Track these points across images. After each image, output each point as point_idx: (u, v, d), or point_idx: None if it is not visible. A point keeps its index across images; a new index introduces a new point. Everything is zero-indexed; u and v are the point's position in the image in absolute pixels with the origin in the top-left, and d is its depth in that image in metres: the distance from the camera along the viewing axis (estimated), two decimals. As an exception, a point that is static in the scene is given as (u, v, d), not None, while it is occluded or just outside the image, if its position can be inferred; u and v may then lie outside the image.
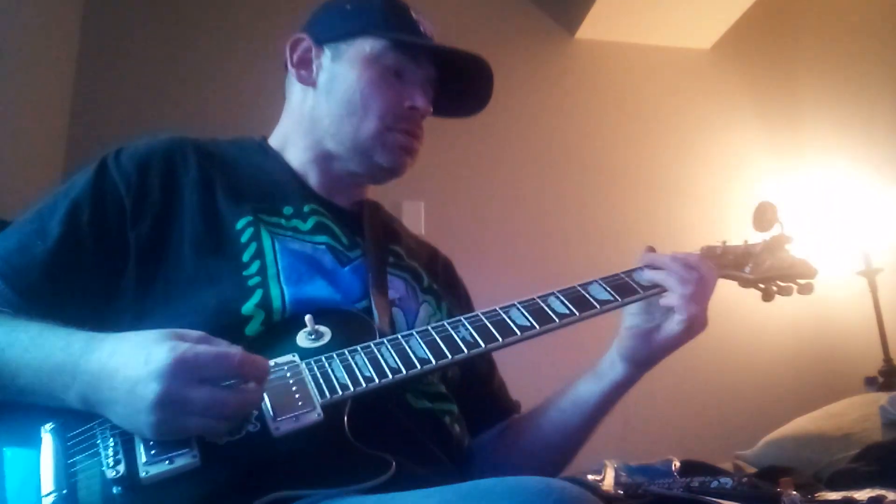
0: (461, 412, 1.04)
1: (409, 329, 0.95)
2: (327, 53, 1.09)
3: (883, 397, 1.92)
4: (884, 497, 1.09)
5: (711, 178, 3.14)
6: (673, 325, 0.93)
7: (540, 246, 2.85)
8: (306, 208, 1.03)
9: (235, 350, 0.72)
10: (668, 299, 0.94)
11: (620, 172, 3.08)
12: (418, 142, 1.10)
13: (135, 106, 2.65)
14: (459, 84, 1.14)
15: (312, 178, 1.10)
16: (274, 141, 1.14)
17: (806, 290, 1.09)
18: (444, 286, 1.18)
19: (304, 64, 1.11)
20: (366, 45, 1.06)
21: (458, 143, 2.95)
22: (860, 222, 2.75)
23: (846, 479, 1.43)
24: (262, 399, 0.75)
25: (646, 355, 0.98)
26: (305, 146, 1.10)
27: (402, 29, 1.08)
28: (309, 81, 1.10)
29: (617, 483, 1.41)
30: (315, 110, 1.09)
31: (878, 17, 2.97)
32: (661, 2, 3.05)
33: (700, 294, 0.92)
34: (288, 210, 1.01)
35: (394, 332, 0.90)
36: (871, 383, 2.60)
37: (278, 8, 2.82)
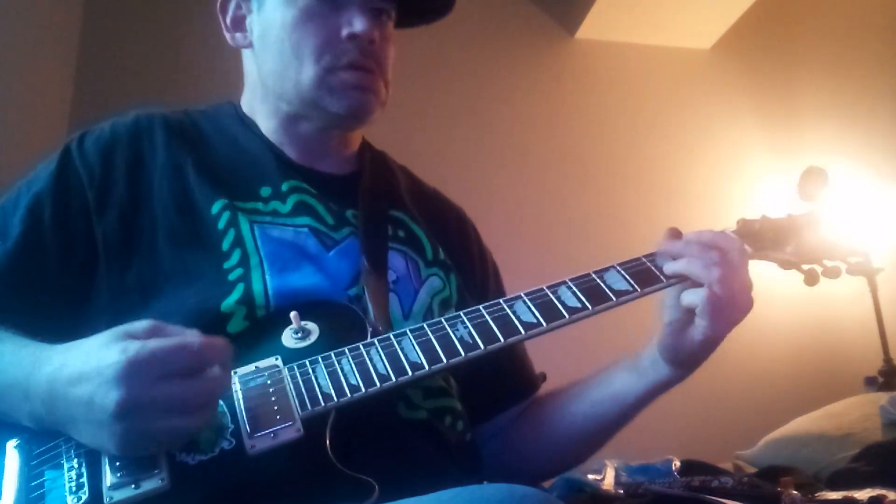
0: (471, 393, 0.96)
1: (404, 316, 0.90)
2: (254, 4, 0.98)
3: (883, 397, 1.93)
4: (884, 497, 1.09)
5: (711, 178, 3.14)
6: (698, 322, 0.80)
7: (540, 245, 2.85)
8: (285, 186, 0.93)
9: (192, 337, 0.66)
10: (689, 297, 0.81)
11: (620, 172, 3.08)
12: (373, 75, 0.94)
13: (135, 104, 2.65)
14: None
15: (289, 148, 0.99)
16: (245, 108, 1.04)
17: (856, 270, 0.94)
18: (455, 246, 1.07)
19: (238, 24, 1.00)
20: None
21: (457, 142, 2.96)
22: (860, 222, 2.75)
23: (846, 479, 1.43)
24: (230, 382, 0.69)
25: (687, 356, 0.85)
26: (268, 113, 0.99)
27: None
28: (245, 43, 1.00)
29: (617, 483, 1.41)
30: (260, 72, 0.98)
31: (877, 17, 2.97)
32: (661, 2, 3.05)
33: (728, 276, 0.78)
34: (266, 191, 0.92)
35: (388, 324, 0.85)
36: (871, 383, 2.60)
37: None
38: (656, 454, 1.62)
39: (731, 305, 0.79)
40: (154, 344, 0.64)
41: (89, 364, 0.63)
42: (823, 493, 1.27)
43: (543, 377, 1.09)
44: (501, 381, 1.03)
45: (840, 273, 0.94)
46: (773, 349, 2.95)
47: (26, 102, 2.27)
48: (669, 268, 0.83)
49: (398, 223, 1.00)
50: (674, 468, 1.49)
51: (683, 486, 1.22)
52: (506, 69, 3.13)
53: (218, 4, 1.02)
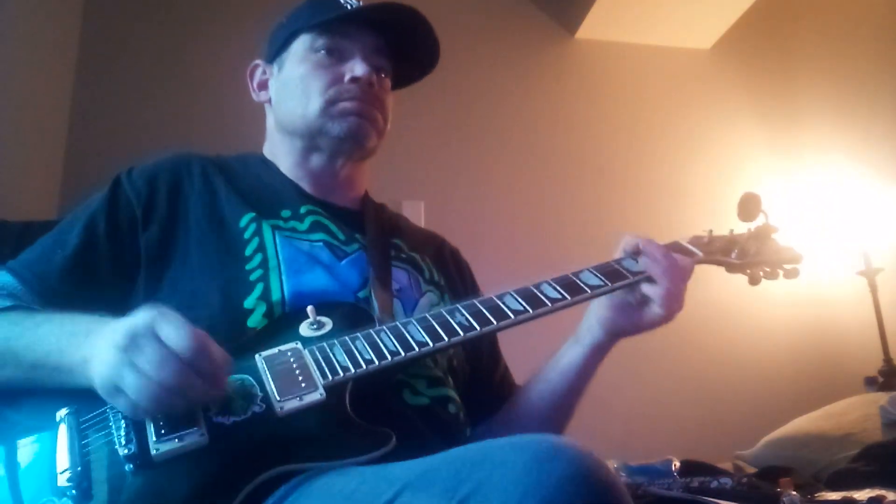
0: (466, 404, 1.05)
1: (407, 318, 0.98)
2: (275, 68, 1.18)
3: (883, 397, 1.93)
4: (884, 497, 1.09)
5: (711, 177, 3.14)
6: (654, 309, 0.98)
7: (540, 245, 2.85)
8: (303, 209, 1.08)
9: (201, 334, 0.73)
10: (651, 290, 0.98)
11: (620, 172, 3.08)
12: (370, 105, 1.10)
13: (134, 108, 2.65)
14: (409, 44, 1.16)
15: (305, 183, 1.14)
16: (267, 155, 1.20)
17: (792, 274, 1.14)
18: (452, 275, 1.21)
19: (263, 86, 1.20)
20: (299, 45, 1.13)
21: (457, 142, 2.96)
22: (860, 222, 2.75)
23: (846, 479, 1.43)
24: (200, 402, 0.74)
25: (622, 327, 1.02)
26: (286, 153, 1.15)
27: (326, 13, 1.12)
28: (266, 99, 1.19)
29: (617, 483, 1.41)
30: (278, 119, 1.16)
31: (877, 17, 2.97)
32: (661, 2, 3.05)
33: (677, 281, 0.98)
34: (286, 213, 1.06)
35: (393, 320, 0.93)
36: (871, 383, 2.60)
37: (278, 11, 2.82)
38: (656, 454, 1.62)
39: (677, 300, 0.98)
40: (186, 329, 0.72)
41: (127, 319, 0.74)
42: (823, 493, 1.27)
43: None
44: (494, 391, 1.18)
45: (778, 276, 1.14)
46: (773, 349, 2.95)
47: (26, 105, 2.27)
48: (637, 267, 1.01)
49: (399, 248, 1.14)
50: (673, 468, 1.50)
51: (683, 487, 1.22)
52: (506, 69, 3.13)
53: (248, 71, 1.23)
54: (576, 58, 3.24)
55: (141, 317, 0.72)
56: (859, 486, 1.24)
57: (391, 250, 1.12)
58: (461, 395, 1.04)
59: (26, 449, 0.75)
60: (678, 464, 1.52)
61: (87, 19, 2.71)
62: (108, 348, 0.71)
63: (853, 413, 1.94)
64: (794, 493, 1.17)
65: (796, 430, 2.01)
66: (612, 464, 1.53)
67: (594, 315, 1.05)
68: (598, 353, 1.05)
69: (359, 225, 1.12)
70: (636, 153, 3.13)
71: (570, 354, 1.07)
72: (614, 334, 1.03)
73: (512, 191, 2.96)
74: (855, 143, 2.97)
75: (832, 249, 2.87)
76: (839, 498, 1.17)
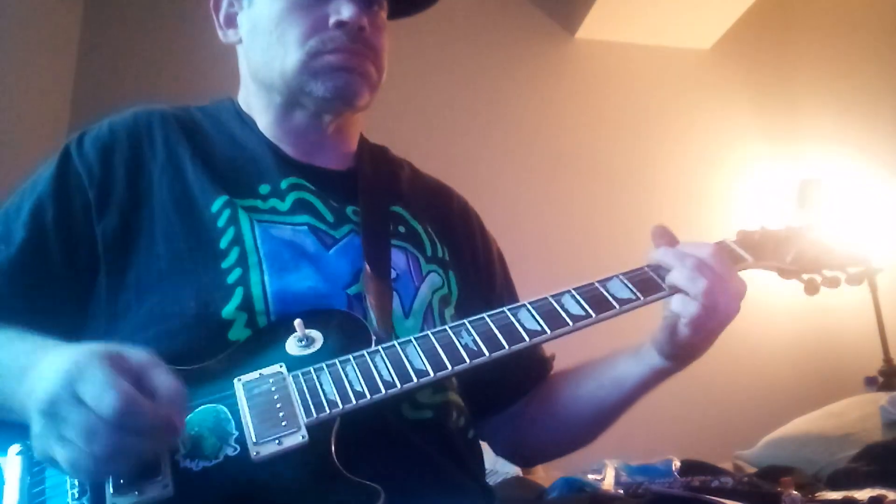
0: (497, 380, 0.96)
1: (405, 314, 0.90)
2: (244, 1, 0.98)
3: (883, 397, 1.93)
4: (884, 497, 1.09)
5: (711, 177, 3.15)
6: (681, 328, 0.82)
7: (540, 245, 2.85)
8: (284, 184, 0.92)
9: (165, 384, 0.62)
10: (676, 303, 0.82)
11: (620, 172, 3.08)
12: (362, 57, 0.92)
13: (135, 96, 2.65)
14: None
15: (286, 144, 0.98)
16: (242, 105, 1.03)
17: (855, 280, 0.98)
18: (459, 243, 1.06)
19: (230, 21, 1.01)
20: None
21: (457, 142, 2.96)
22: (860, 222, 2.75)
23: (846, 479, 1.43)
24: (152, 454, 0.64)
25: (676, 351, 0.86)
26: (263, 108, 0.99)
27: None
28: (236, 39, 1.00)
29: (617, 483, 1.41)
30: (251, 66, 0.98)
31: (877, 18, 2.97)
32: (661, 2, 3.05)
33: (713, 290, 0.79)
34: (265, 188, 0.92)
35: (390, 326, 0.85)
36: (871, 383, 2.60)
37: None
38: (656, 454, 1.62)
39: (712, 317, 0.80)
40: (110, 385, 0.60)
41: (56, 362, 0.62)
42: (823, 493, 1.27)
43: (553, 357, 1.09)
44: (516, 373, 1.02)
45: (839, 283, 0.97)
46: (774, 349, 2.95)
47: (26, 103, 2.27)
48: (669, 279, 0.84)
49: (398, 219, 0.99)
50: (674, 468, 1.50)
51: (683, 486, 1.22)
52: (506, 69, 3.13)
53: (211, 3, 1.02)
54: (575, 58, 3.24)
55: (61, 372, 0.60)
56: (859, 486, 1.24)
57: (389, 224, 0.97)
58: (475, 383, 0.93)
59: None
60: (678, 463, 1.52)
61: (88, 17, 2.71)
62: (34, 413, 0.60)
63: (853, 413, 1.93)
64: (795, 492, 1.17)
65: (796, 430, 2.01)
66: (612, 464, 1.53)
67: (653, 336, 0.88)
68: (657, 376, 0.90)
69: (351, 192, 0.97)
70: (636, 153, 3.13)
71: (629, 369, 0.93)
72: (669, 357, 0.87)
73: (511, 190, 2.96)
74: (854, 142, 2.97)
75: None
76: (839, 497, 1.17)
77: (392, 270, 0.92)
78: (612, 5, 3.03)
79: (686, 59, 3.35)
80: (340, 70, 0.91)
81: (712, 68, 3.36)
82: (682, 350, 0.85)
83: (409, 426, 0.83)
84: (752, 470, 1.80)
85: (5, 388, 0.68)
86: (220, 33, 1.02)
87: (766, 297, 2.67)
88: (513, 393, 1.04)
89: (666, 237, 0.90)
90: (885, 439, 1.70)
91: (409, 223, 1.00)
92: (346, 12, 0.89)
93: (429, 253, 0.99)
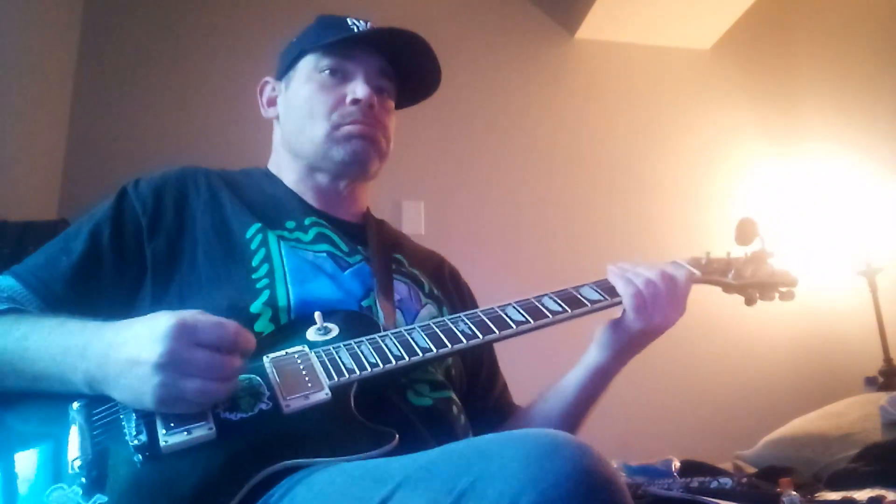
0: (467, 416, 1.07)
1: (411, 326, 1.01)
2: (283, 85, 1.21)
3: (883, 397, 1.92)
4: (884, 497, 1.09)
5: (710, 177, 3.14)
6: (627, 314, 1.02)
7: (540, 245, 2.85)
8: (307, 221, 1.11)
9: (231, 322, 0.78)
10: (624, 303, 1.02)
11: (620, 172, 3.08)
12: (373, 128, 1.13)
13: (134, 109, 2.65)
14: (412, 66, 1.19)
15: (309, 196, 1.17)
16: (272, 169, 1.23)
17: (787, 296, 1.19)
18: (450, 293, 1.23)
19: (272, 103, 1.24)
20: (305, 64, 1.16)
21: (457, 143, 2.96)
22: (860, 222, 2.75)
23: (846, 479, 1.43)
24: (246, 369, 0.81)
25: (614, 342, 1.04)
26: (291, 169, 1.19)
27: (332, 35, 1.15)
28: (274, 115, 1.23)
29: (617, 483, 1.41)
30: (284, 136, 1.19)
31: (877, 17, 2.97)
32: (661, 2, 3.05)
33: (651, 298, 1.00)
34: (290, 224, 1.09)
35: (398, 329, 0.95)
36: (871, 383, 2.60)
37: (279, 14, 2.82)
38: (656, 454, 1.62)
39: (652, 304, 1.01)
40: (201, 316, 0.76)
41: (143, 328, 0.76)
42: (823, 493, 1.27)
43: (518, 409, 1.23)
44: (491, 407, 1.20)
45: (774, 298, 1.19)
46: (773, 349, 2.95)
47: (26, 106, 2.27)
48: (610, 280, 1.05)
49: (400, 263, 1.18)
50: (674, 468, 1.50)
51: (683, 487, 1.22)
52: (506, 69, 3.12)
53: (258, 88, 1.26)
54: (575, 58, 3.24)
55: (164, 330, 0.74)
56: (859, 486, 1.24)
57: (392, 263, 1.15)
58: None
59: (27, 458, 0.76)
60: (678, 464, 1.52)
61: (87, 19, 2.71)
62: (148, 369, 0.73)
63: (853, 413, 1.93)
64: (795, 493, 1.17)
65: (796, 430, 2.01)
66: (612, 464, 1.53)
67: (597, 332, 1.07)
68: (597, 375, 1.06)
69: (361, 238, 1.15)
70: (635, 153, 3.13)
71: (571, 376, 1.08)
72: (610, 350, 1.05)
73: (512, 191, 2.96)
74: (854, 142, 2.96)
75: (832, 249, 2.87)
76: (839, 498, 1.17)
77: (396, 294, 1.08)
78: (612, 5, 3.03)
79: (686, 59, 3.34)
80: (356, 137, 1.12)
81: (712, 68, 3.36)
82: (625, 343, 1.04)
83: (413, 410, 0.93)
84: (751, 470, 1.79)
85: (62, 361, 0.79)
86: (262, 111, 1.26)
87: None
88: (489, 419, 1.17)
89: None
90: (885, 439, 1.70)
91: (409, 269, 1.18)
92: (360, 92, 1.12)
93: (426, 290, 1.16)
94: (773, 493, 1.18)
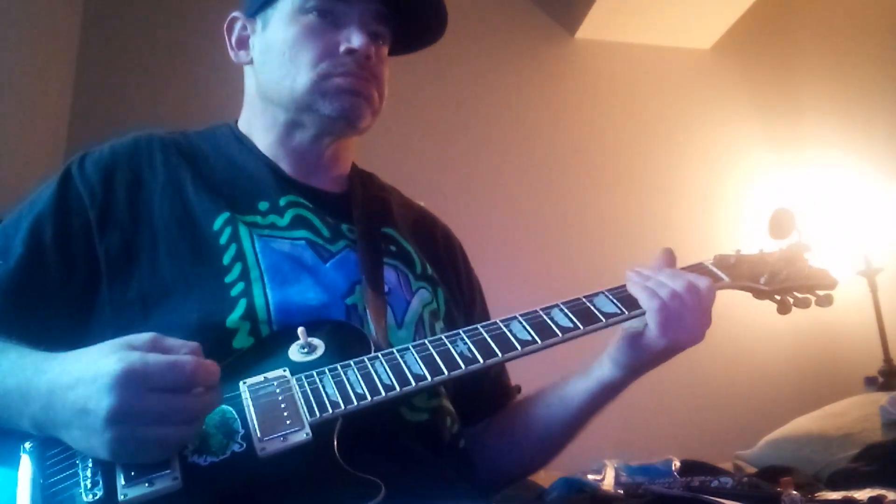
0: (460, 401, 1.01)
1: (398, 325, 0.94)
2: (258, 25, 1.03)
3: (883, 397, 1.93)
4: (884, 497, 1.09)
5: (711, 178, 3.14)
6: (650, 331, 0.88)
7: (540, 246, 2.85)
8: (283, 201, 0.97)
9: (186, 358, 0.67)
10: (646, 318, 0.88)
11: (620, 172, 3.08)
12: (367, 82, 0.99)
13: (135, 106, 2.65)
14: (413, 10, 1.04)
15: (285, 163, 1.03)
16: (242, 127, 1.08)
17: (825, 301, 1.04)
18: (444, 264, 1.12)
19: (242, 43, 1.06)
20: (288, 1, 0.99)
21: (457, 142, 2.96)
22: (860, 222, 2.75)
23: (846, 479, 1.43)
24: (221, 400, 0.71)
25: (632, 360, 0.92)
26: (265, 127, 1.04)
27: None
28: (247, 60, 1.05)
29: (617, 483, 1.41)
30: (260, 85, 1.03)
31: (877, 17, 2.97)
32: (661, 2, 3.05)
33: (677, 313, 0.87)
34: (263, 205, 0.96)
35: (386, 332, 0.89)
36: (871, 383, 2.60)
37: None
38: (656, 454, 1.62)
39: (680, 320, 0.88)
40: (152, 358, 0.66)
41: (88, 371, 0.65)
42: (823, 493, 1.27)
43: (518, 389, 1.14)
44: (486, 391, 1.09)
45: (810, 304, 1.04)
46: (773, 349, 2.95)
47: (26, 100, 2.27)
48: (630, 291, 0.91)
49: (389, 239, 1.05)
50: (674, 468, 1.50)
51: (683, 486, 1.22)
52: (506, 69, 3.13)
53: (224, 25, 1.08)
54: (575, 58, 3.24)
55: (110, 378, 0.63)
56: (859, 486, 1.24)
57: (381, 243, 1.02)
58: (454, 394, 1.00)
59: None
60: (678, 464, 1.52)
61: (88, 17, 2.71)
62: (100, 423, 0.63)
63: (853, 413, 1.93)
64: (795, 492, 1.17)
65: (796, 430, 2.01)
66: (612, 464, 1.53)
67: (608, 348, 0.95)
68: (605, 389, 0.95)
69: (345, 212, 1.02)
70: (636, 153, 3.13)
71: (577, 386, 0.98)
72: (625, 368, 0.92)
73: (512, 190, 2.96)
74: (855, 142, 2.97)
75: (832, 249, 2.87)
76: (839, 498, 1.17)
77: (385, 285, 0.97)
78: (612, 5, 3.03)
79: (686, 59, 3.35)
80: (348, 93, 0.97)
81: (712, 68, 3.36)
82: (642, 359, 0.91)
83: (407, 429, 0.86)
84: (752, 470, 1.80)
85: (9, 406, 0.69)
86: (231, 53, 1.08)
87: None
88: (475, 413, 1.07)
89: (665, 259, 0.96)
90: (885, 439, 1.70)
91: (400, 243, 1.06)
92: (356, 41, 0.96)
93: (418, 271, 1.05)
94: (773, 493, 1.18)
